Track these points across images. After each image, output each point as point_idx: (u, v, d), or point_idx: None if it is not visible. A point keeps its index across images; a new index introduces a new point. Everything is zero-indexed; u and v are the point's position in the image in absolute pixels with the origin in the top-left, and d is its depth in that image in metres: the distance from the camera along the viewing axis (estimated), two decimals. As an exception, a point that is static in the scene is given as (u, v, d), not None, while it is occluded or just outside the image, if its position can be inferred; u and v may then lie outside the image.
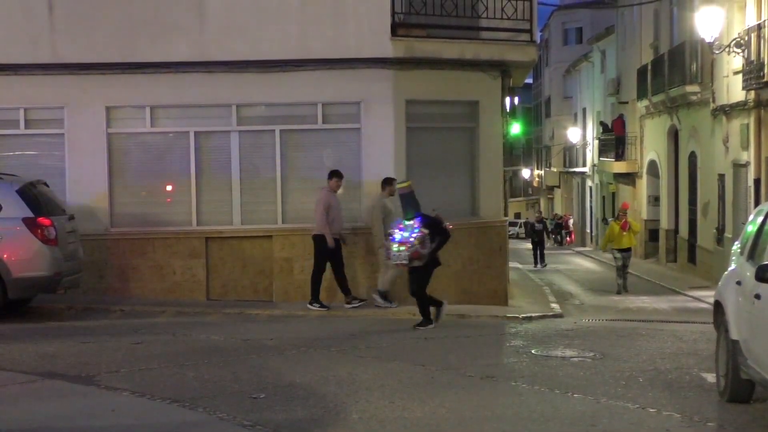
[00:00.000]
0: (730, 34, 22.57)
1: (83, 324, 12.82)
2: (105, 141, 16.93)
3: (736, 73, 22.69)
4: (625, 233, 24.22)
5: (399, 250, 13.93)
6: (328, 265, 16.09)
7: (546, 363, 11.61)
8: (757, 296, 8.33)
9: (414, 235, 13.85)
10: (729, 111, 23.44)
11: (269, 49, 16.64)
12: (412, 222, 13.98)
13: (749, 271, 8.93)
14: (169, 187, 17.19)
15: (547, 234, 41.64)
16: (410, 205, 14.20)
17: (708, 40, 22.06)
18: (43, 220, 14.09)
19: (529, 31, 17.64)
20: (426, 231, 13.90)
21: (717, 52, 22.26)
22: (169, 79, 16.84)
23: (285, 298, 16.93)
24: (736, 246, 10.32)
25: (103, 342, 12.35)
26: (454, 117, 18.10)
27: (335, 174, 16.14)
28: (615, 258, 24.28)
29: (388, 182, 16.26)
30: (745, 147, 22.08)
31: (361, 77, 16.89)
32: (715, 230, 25.36)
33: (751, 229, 9.84)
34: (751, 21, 21.36)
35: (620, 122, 39.66)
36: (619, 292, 22.96)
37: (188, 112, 17.07)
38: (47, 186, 15.22)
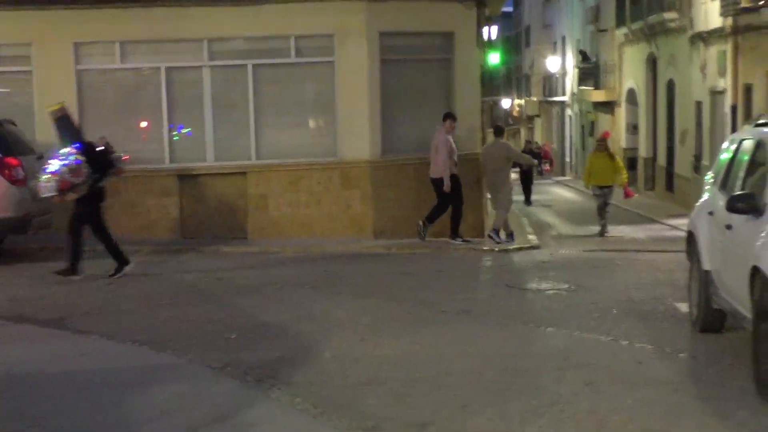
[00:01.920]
0: (708, -40, 22.33)
1: (55, 265, 12.68)
2: (74, 78, 16.66)
3: (713, -1, 22.49)
4: (602, 163, 20.46)
5: (48, 180, 12.16)
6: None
7: (521, 296, 11.61)
8: (728, 226, 8.29)
9: (66, 163, 12.14)
10: (707, 38, 23.27)
11: (240, -18, 16.36)
12: (68, 150, 12.26)
13: (721, 201, 8.87)
14: (141, 125, 16.97)
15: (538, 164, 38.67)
16: (66, 130, 12.51)
17: (685, -35, 21.82)
18: (11, 160, 13.87)
19: (504, -40, 17.39)
20: (82, 158, 12.18)
21: (694, -22, 22.04)
22: (139, 13, 16.53)
23: (260, 235, 16.82)
24: (709, 175, 10.26)
25: (75, 283, 12.24)
26: (429, 49, 17.87)
27: (450, 116, 16.39)
28: (595, 195, 20.99)
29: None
30: (723, 74, 21.96)
31: (334, 9, 16.62)
32: (692, 158, 25.34)
33: (724, 157, 9.77)
34: (729, -55, 21.08)
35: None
36: (601, 234, 20.49)
37: (159, 47, 16.80)
38: (15, 125, 14.97)
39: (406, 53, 17.53)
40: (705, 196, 9.92)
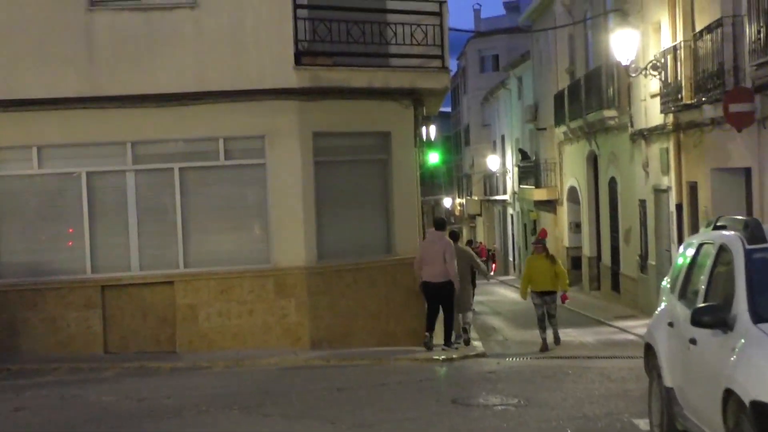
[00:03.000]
0: (646, 57, 22.10)
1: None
2: (-11, 185, 15.70)
3: (653, 96, 22.20)
4: (542, 267, 18.26)
5: None
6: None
7: (468, 414, 10.71)
8: (693, 341, 7.53)
9: None
10: (648, 135, 22.93)
11: (165, 82, 15.58)
12: None
13: (682, 312, 8.13)
14: (61, 233, 15.95)
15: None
16: None
17: (624, 63, 21.54)
18: None
19: (441, 57, 16.83)
20: None
21: (633, 75, 21.75)
22: (58, 115, 15.65)
23: (190, 348, 15.79)
24: (665, 282, 9.55)
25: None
26: (365, 149, 17.19)
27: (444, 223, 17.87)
28: (535, 305, 18.25)
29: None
30: (666, 172, 21.55)
31: (265, 109, 15.91)
32: (638, 257, 24.82)
33: (681, 262, 9.07)
34: (667, 43, 20.87)
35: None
36: (542, 350, 17.75)
37: (79, 151, 15.89)
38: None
39: (341, 154, 16.84)
40: (662, 305, 9.19)
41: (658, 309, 9.26)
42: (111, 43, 15.52)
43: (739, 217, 8.17)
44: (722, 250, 7.65)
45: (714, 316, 6.93)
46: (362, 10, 16.23)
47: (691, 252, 8.71)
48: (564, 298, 18.74)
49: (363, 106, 16.65)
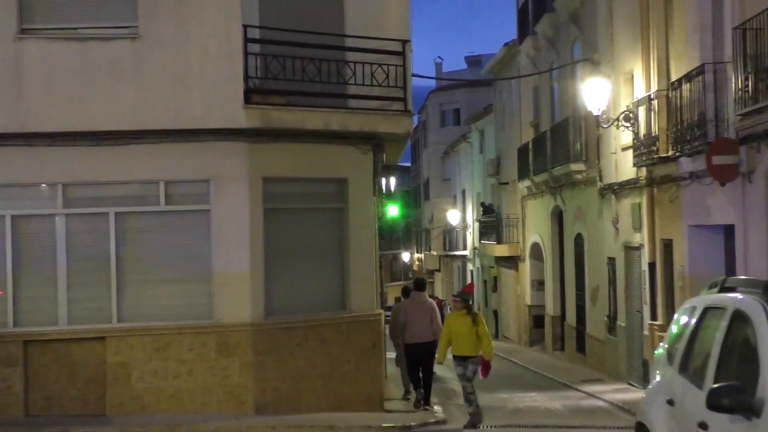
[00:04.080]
0: (618, 108, 21.10)
1: None
2: None
3: (624, 149, 21.17)
4: (463, 327, 14.97)
5: None
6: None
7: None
8: (703, 425, 6.26)
9: None
10: (618, 190, 21.86)
11: (101, 120, 14.22)
12: None
13: (686, 389, 6.87)
14: (-20, 282, 14.48)
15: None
16: None
17: (595, 113, 20.52)
18: None
19: (403, 100, 15.63)
20: None
21: (605, 125, 20.71)
22: (-19, 153, 14.26)
23: (121, 411, 14.30)
24: (660, 351, 8.28)
25: None
26: (320, 196, 15.88)
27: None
28: (457, 374, 15.45)
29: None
30: (638, 228, 20.44)
31: (211, 151, 14.60)
32: (606, 318, 23.61)
33: (676, 330, 7.83)
34: (640, 93, 19.87)
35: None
36: (467, 427, 14.97)
37: (4, 192, 14.44)
38: None
39: (294, 201, 15.52)
40: (657, 377, 7.92)
41: (652, 382, 7.99)
42: (42, 75, 14.16)
43: (753, 278, 6.94)
44: (738, 316, 6.41)
45: (736, 399, 5.67)
46: (319, 47, 15.01)
47: (691, 318, 7.47)
48: (485, 369, 15.03)
49: (318, 150, 15.38)
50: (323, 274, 15.73)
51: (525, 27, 33.78)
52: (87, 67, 14.22)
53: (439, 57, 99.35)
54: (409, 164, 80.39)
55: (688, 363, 7.15)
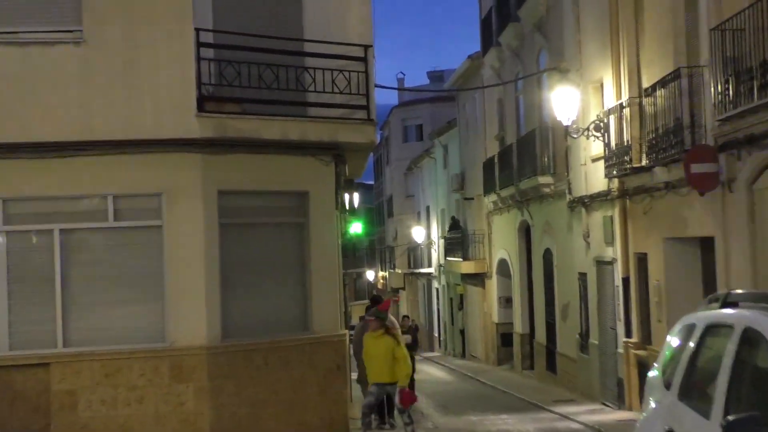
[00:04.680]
0: (587, 118, 20.43)
1: None
2: None
3: (595, 160, 20.48)
4: (379, 349, 13.87)
5: None
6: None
7: None
8: (713, 460, 5.47)
9: None
10: (589, 203, 21.17)
11: (44, 129, 13.26)
12: None
13: (688, 417, 6.10)
14: None
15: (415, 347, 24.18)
16: None
17: (565, 122, 19.84)
18: None
19: (366, 108, 14.82)
20: None
21: (575, 136, 20.03)
22: None
23: (66, 442, 13.33)
24: (654, 374, 7.50)
25: None
26: (279, 210, 15.02)
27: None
28: (369, 392, 14.27)
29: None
30: (610, 242, 19.74)
31: (162, 163, 13.71)
32: (577, 336, 22.88)
33: (671, 351, 7.06)
34: (611, 102, 19.21)
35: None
36: None
37: (-63, 208, 13.52)
38: None
39: (252, 216, 14.62)
40: (652, 404, 7.14)
41: (647, 408, 7.21)
42: (-21, 83, 13.24)
43: (761, 292, 6.18)
44: (749, 335, 5.64)
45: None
46: (277, 52, 14.16)
47: (690, 338, 6.70)
48: (406, 400, 13.55)
49: (277, 161, 14.53)
50: (284, 293, 14.87)
51: (488, 38, 33.17)
52: (28, 74, 13.27)
53: (401, 72, 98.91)
54: (372, 182, 79.71)
55: (690, 389, 6.38)
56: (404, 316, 27.40)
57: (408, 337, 19.97)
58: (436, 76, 68.43)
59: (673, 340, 7.16)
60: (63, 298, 13.58)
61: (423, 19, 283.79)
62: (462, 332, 41.30)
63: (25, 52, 13.33)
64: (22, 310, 13.60)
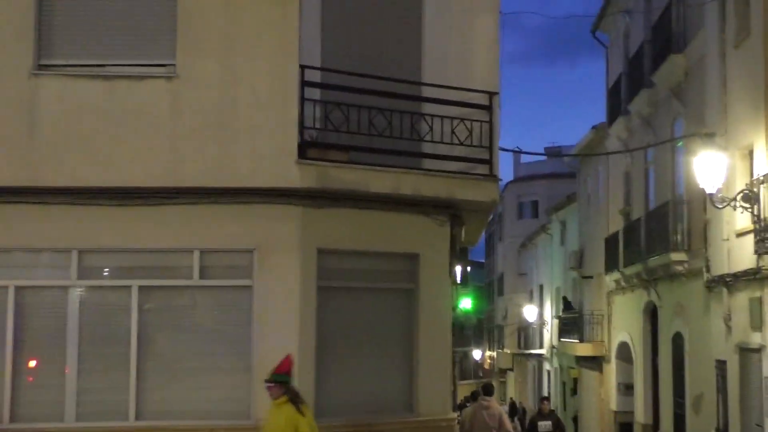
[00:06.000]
0: (732, 189, 18.30)
1: None
2: None
3: (740, 234, 18.32)
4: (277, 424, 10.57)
5: None
6: None
7: None
8: None
9: None
10: (732, 282, 18.93)
11: (126, 174, 11.86)
12: None
13: None
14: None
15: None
16: None
17: (709, 191, 17.73)
18: None
19: (489, 162, 13.09)
20: None
21: (720, 206, 17.87)
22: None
23: None
24: None
25: None
26: (385, 274, 13.25)
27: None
28: None
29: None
30: (757, 327, 17.47)
31: (256, 215, 12.16)
32: (714, 431, 20.46)
33: None
34: (762, 169, 17.10)
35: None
36: None
37: (8, 258, 12.13)
38: None
39: (354, 279, 12.90)
40: None
41: None
42: (58, 118, 11.88)
43: None
44: None
45: None
46: (390, 96, 12.59)
47: None
48: None
49: (385, 218, 12.84)
50: (387, 367, 13.11)
51: (616, 107, 31.27)
52: (113, 111, 11.91)
53: (517, 147, 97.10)
54: (482, 260, 77.86)
55: None
56: (543, 398, 25.07)
57: (548, 424, 19.05)
58: (553, 152, 66.53)
59: None
60: (138, 364, 12.08)
61: (540, 96, 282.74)
62: (575, 419, 38.84)
63: (111, 87, 11.99)
64: (93, 375, 12.13)
